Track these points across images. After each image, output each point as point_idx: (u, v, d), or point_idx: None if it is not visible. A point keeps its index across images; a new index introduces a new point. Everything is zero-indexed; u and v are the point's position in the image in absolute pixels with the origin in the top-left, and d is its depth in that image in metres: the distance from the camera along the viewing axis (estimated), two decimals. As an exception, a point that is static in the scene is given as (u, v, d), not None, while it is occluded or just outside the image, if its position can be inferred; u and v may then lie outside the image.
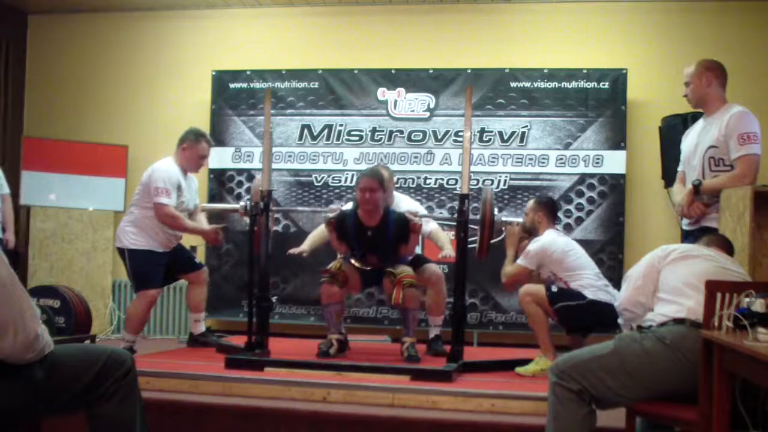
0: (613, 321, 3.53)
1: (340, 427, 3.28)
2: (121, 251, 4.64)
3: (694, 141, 3.58)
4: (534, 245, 4.16)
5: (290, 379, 3.64)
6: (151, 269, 4.60)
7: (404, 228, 4.28)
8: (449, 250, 4.62)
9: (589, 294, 3.97)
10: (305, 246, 4.79)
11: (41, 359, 2.22)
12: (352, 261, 4.46)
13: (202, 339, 4.84)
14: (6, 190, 5.39)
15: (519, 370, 4.02)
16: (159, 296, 4.79)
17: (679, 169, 3.74)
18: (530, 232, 4.30)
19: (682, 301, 2.61)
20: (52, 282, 5.62)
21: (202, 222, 4.90)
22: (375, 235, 4.30)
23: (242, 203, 4.47)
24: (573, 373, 2.54)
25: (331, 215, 4.43)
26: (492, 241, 4.17)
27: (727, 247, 2.94)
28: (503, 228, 4.36)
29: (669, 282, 2.71)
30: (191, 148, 4.69)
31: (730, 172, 3.34)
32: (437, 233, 4.80)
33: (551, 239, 4.16)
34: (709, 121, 3.53)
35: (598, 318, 3.89)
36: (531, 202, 4.38)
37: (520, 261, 4.17)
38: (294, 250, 4.78)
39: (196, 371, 3.78)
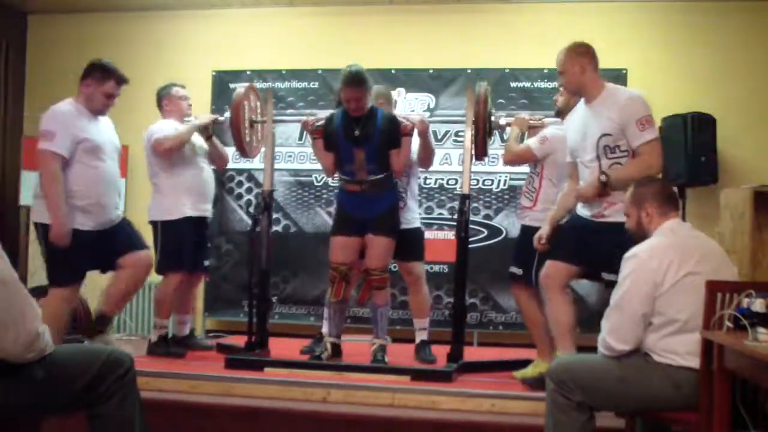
0: None
1: (340, 427, 3.28)
2: (154, 225, 4.52)
3: (580, 130, 3.42)
4: (552, 131, 3.90)
5: (290, 379, 3.65)
6: (181, 246, 4.45)
7: (394, 126, 4.02)
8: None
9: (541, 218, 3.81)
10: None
11: (41, 359, 2.22)
12: (342, 180, 4.19)
13: (187, 342, 4.70)
14: None
15: (516, 374, 3.88)
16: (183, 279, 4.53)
17: (567, 160, 3.59)
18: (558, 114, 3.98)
19: (695, 342, 2.45)
20: (52, 282, 5.60)
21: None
22: (363, 131, 4.00)
23: (225, 116, 4.65)
24: (573, 386, 2.54)
25: (318, 123, 4.18)
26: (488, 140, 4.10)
27: (676, 201, 2.79)
28: (504, 128, 4.20)
29: (674, 314, 2.52)
30: (168, 96, 4.73)
31: (633, 159, 3.22)
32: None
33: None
34: (594, 108, 3.36)
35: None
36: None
37: (532, 144, 3.93)
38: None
39: (196, 371, 3.79)
